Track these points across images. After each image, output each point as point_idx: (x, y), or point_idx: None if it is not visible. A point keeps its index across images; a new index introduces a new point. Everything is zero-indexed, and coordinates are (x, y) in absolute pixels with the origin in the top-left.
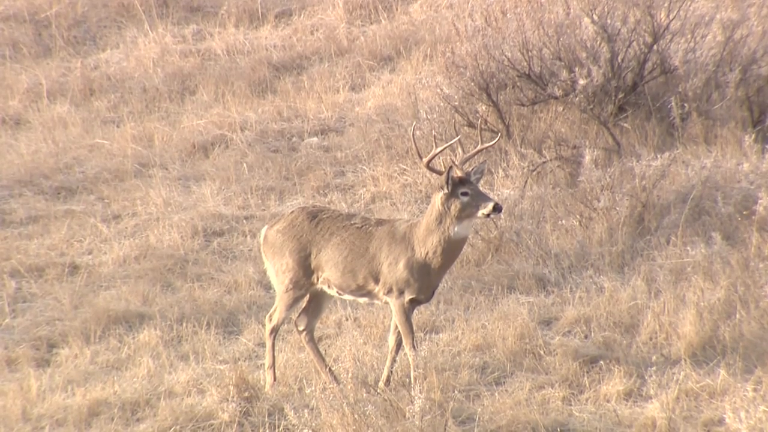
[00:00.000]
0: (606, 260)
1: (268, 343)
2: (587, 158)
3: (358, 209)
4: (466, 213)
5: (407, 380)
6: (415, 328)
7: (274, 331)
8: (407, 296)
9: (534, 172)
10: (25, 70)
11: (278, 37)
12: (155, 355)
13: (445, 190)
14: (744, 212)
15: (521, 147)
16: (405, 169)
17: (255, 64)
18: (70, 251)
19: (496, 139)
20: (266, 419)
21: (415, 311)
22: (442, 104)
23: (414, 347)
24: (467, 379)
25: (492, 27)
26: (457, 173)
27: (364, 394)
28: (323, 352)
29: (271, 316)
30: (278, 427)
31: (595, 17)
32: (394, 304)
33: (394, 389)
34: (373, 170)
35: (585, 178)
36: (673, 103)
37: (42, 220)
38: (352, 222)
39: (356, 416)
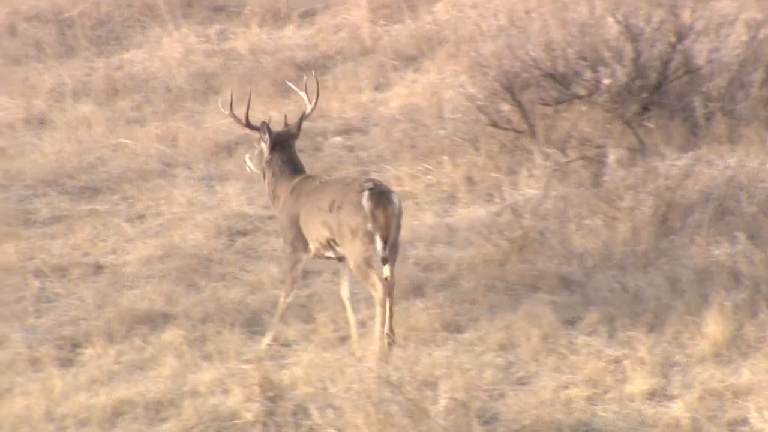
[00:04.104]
0: (630, 260)
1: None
2: (611, 158)
3: None
4: None
5: (431, 380)
6: (439, 326)
7: None
8: None
9: (558, 172)
10: (49, 69)
11: (302, 37)
12: (179, 354)
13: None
14: None
15: (545, 146)
16: (429, 169)
17: (279, 63)
18: (94, 251)
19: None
20: (290, 419)
21: (439, 310)
22: (465, 104)
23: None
24: (491, 379)
25: (516, 27)
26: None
27: (388, 394)
28: (347, 353)
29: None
30: (302, 427)
31: (619, 17)
32: None
33: (418, 388)
34: (397, 170)
35: (609, 177)
36: (696, 103)
37: (66, 219)
38: None
39: (380, 416)
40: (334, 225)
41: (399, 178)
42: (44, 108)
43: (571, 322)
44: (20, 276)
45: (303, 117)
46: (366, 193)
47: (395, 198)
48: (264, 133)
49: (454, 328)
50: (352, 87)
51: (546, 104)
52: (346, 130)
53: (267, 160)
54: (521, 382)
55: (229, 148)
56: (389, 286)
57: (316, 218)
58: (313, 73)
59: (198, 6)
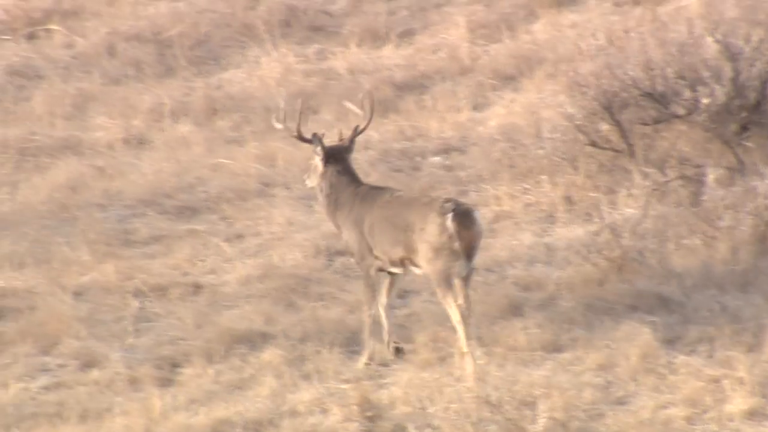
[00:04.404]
0: (729, 279)
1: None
2: (710, 177)
3: None
4: None
5: (529, 400)
6: (537, 346)
7: None
8: None
9: (657, 191)
10: (148, 90)
11: (400, 57)
12: (278, 374)
13: None
14: None
15: (644, 166)
16: (528, 189)
17: (377, 83)
18: (193, 271)
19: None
20: None
21: (537, 330)
22: (564, 123)
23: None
24: (590, 399)
25: (615, 46)
26: None
27: (487, 414)
28: (446, 372)
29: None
30: None
31: (718, 36)
32: None
33: (517, 408)
34: (496, 189)
35: (708, 197)
36: None
37: (165, 239)
38: None
39: None
40: (412, 244)
41: (498, 197)
42: (143, 128)
43: (670, 342)
44: (119, 296)
45: (356, 131)
46: (450, 215)
47: (478, 216)
48: (316, 146)
49: (553, 347)
50: (451, 107)
51: (645, 124)
52: (445, 150)
53: (322, 173)
54: (620, 401)
55: None
56: (467, 308)
57: (387, 234)
58: (368, 87)
59: (297, 26)
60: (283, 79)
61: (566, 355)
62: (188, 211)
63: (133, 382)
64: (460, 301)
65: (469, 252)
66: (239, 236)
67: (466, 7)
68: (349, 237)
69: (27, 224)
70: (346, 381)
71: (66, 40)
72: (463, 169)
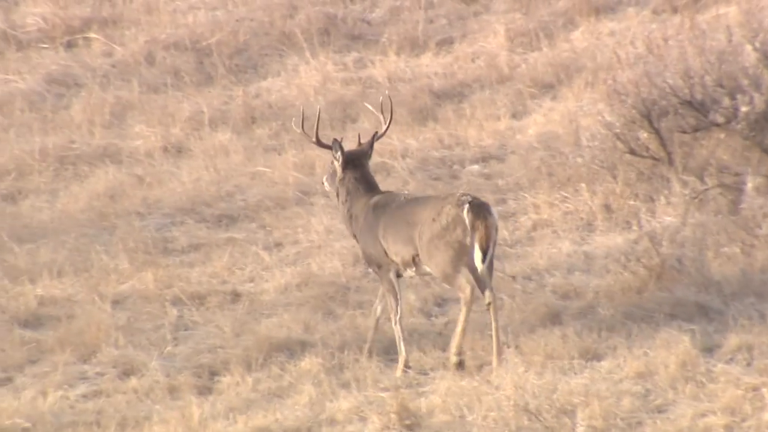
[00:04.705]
0: None
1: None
2: (749, 185)
3: (519, 237)
4: None
5: (568, 408)
6: (576, 354)
7: None
8: None
9: (696, 200)
10: (187, 98)
11: (439, 65)
12: (317, 382)
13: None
14: None
15: (683, 174)
16: (566, 197)
17: (416, 91)
18: (231, 279)
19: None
20: None
21: (576, 338)
22: (603, 131)
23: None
24: (629, 407)
25: (654, 54)
26: None
27: (526, 422)
28: (485, 380)
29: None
30: None
31: (757, 44)
32: None
33: (556, 416)
34: (535, 198)
35: (747, 205)
36: None
37: (204, 248)
38: None
39: None
40: (423, 237)
41: (536, 206)
42: (182, 136)
43: (709, 350)
44: (159, 304)
45: (375, 136)
46: (467, 206)
47: (494, 210)
48: (336, 151)
49: (592, 355)
50: (490, 115)
51: (684, 132)
52: (484, 158)
53: (340, 178)
54: (659, 410)
55: None
56: (495, 309)
57: (402, 234)
58: (386, 92)
59: (335, 34)
60: (321, 88)
61: (605, 363)
62: (227, 220)
63: (172, 391)
64: (488, 300)
65: (484, 245)
66: (278, 244)
67: (504, 15)
68: (365, 245)
69: (66, 233)
70: (385, 389)
71: (105, 48)
72: (502, 177)
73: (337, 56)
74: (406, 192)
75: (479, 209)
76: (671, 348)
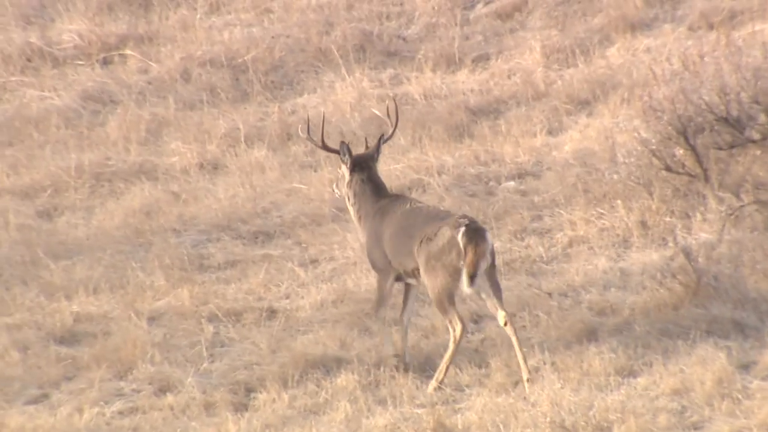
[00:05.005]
0: None
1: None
2: None
3: (555, 254)
4: None
5: (605, 424)
6: (612, 371)
7: None
8: None
9: (732, 216)
10: (223, 114)
11: (475, 82)
12: (353, 399)
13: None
14: None
15: (719, 191)
16: (602, 213)
17: (452, 108)
18: (267, 296)
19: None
20: None
21: (612, 354)
22: (639, 148)
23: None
24: (665, 424)
25: (689, 71)
26: None
27: None
28: (521, 397)
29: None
30: None
31: None
32: None
33: None
34: (571, 214)
35: None
36: None
37: (239, 264)
38: None
39: None
40: (420, 255)
41: (572, 222)
42: (218, 153)
43: (745, 367)
44: (194, 321)
45: (382, 139)
46: (462, 230)
47: (488, 236)
48: (344, 154)
49: (628, 372)
50: (525, 131)
51: (720, 148)
52: (519, 175)
53: (348, 181)
54: (695, 426)
55: (402, 192)
56: (510, 324)
57: (403, 244)
58: (392, 95)
59: (371, 51)
60: (357, 104)
61: (641, 380)
62: (263, 236)
63: (208, 407)
64: (503, 321)
65: (471, 270)
66: (314, 261)
67: (540, 32)
68: (369, 248)
69: (102, 249)
70: (421, 406)
71: (141, 65)
72: (538, 193)
73: (373, 73)
74: (413, 198)
75: (474, 234)
76: (707, 365)
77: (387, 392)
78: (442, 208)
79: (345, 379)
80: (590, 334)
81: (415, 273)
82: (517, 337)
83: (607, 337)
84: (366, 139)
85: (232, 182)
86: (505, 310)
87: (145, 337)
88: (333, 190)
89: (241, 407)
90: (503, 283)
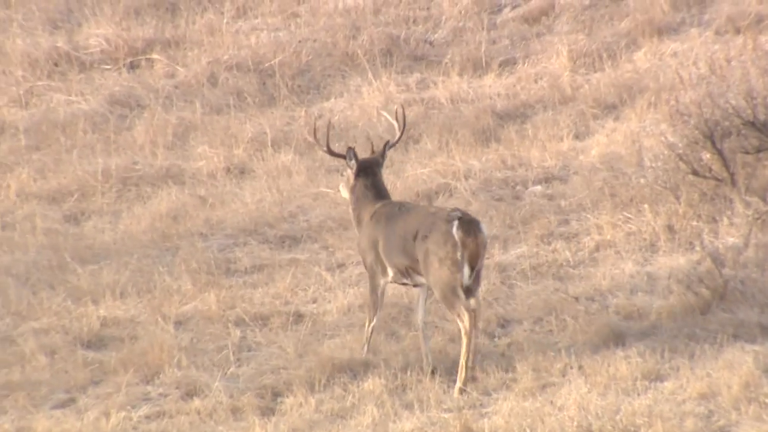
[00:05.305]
0: None
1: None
2: None
3: (582, 258)
4: None
5: (631, 429)
6: (639, 375)
7: None
8: None
9: (759, 220)
10: (250, 119)
11: (502, 86)
12: (380, 403)
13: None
14: None
15: (746, 195)
16: (629, 218)
17: (479, 112)
18: (294, 300)
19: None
20: None
21: (639, 359)
22: (666, 152)
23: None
24: (692, 428)
25: (716, 75)
26: None
27: None
28: (547, 401)
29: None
30: None
31: None
32: None
33: None
34: (597, 218)
35: None
36: None
37: (266, 268)
38: None
39: None
40: (418, 253)
41: (599, 226)
42: (245, 157)
43: None
44: (221, 325)
45: (388, 145)
46: (456, 222)
47: (483, 227)
48: (350, 159)
49: (655, 376)
50: (552, 135)
51: (746, 152)
52: (546, 179)
53: (352, 185)
54: (722, 430)
55: (429, 197)
56: (476, 318)
57: (396, 245)
58: (400, 103)
59: (398, 55)
60: (384, 109)
61: (668, 384)
62: (290, 241)
63: (235, 412)
64: (472, 311)
65: (474, 262)
66: (341, 265)
67: (567, 36)
68: (363, 251)
69: (129, 254)
70: (448, 410)
71: (167, 69)
72: (565, 198)
73: (400, 77)
74: (403, 201)
75: (469, 226)
76: (734, 369)
77: (414, 396)
78: (433, 206)
79: (372, 383)
80: (617, 339)
81: (409, 271)
82: (477, 329)
83: (634, 341)
84: (372, 143)
85: (258, 186)
86: (478, 300)
87: (172, 341)
88: (339, 191)
89: (267, 411)
90: (529, 288)
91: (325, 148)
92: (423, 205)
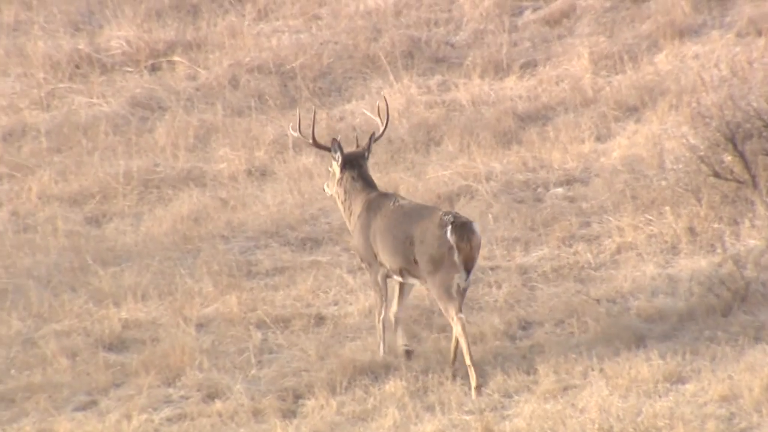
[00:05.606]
0: None
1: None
2: None
3: (603, 260)
4: None
5: (653, 430)
6: (660, 377)
7: None
8: None
9: None
10: (271, 121)
11: (523, 88)
12: (401, 406)
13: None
14: None
15: (767, 197)
16: (651, 220)
17: (500, 114)
18: (316, 302)
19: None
20: None
21: (660, 361)
22: (687, 154)
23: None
24: (714, 430)
25: (738, 77)
26: None
27: None
28: (569, 403)
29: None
30: None
31: None
32: None
33: None
34: (619, 221)
35: None
36: None
37: (288, 271)
38: None
39: None
40: (412, 256)
41: (620, 229)
42: (266, 159)
43: None
44: (243, 327)
45: (373, 137)
46: (449, 228)
47: (477, 228)
48: (335, 151)
49: (676, 379)
50: (574, 138)
51: None
52: (567, 181)
53: (338, 179)
54: None
55: (450, 199)
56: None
57: (389, 244)
58: (383, 94)
59: (419, 57)
60: (405, 111)
61: (689, 387)
62: (311, 243)
63: (256, 414)
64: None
65: (470, 264)
66: (362, 268)
67: (588, 38)
68: (357, 243)
69: (150, 256)
70: (470, 412)
71: (189, 71)
72: (586, 200)
73: (421, 79)
74: (397, 196)
75: (462, 229)
76: (755, 371)
77: (435, 399)
78: (426, 205)
79: (393, 386)
80: (638, 341)
81: (402, 273)
82: (467, 336)
83: (656, 343)
84: (357, 138)
85: (280, 189)
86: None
87: (193, 343)
88: (324, 189)
89: (289, 414)
90: (550, 290)
91: (310, 141)
92: (416, 204)
